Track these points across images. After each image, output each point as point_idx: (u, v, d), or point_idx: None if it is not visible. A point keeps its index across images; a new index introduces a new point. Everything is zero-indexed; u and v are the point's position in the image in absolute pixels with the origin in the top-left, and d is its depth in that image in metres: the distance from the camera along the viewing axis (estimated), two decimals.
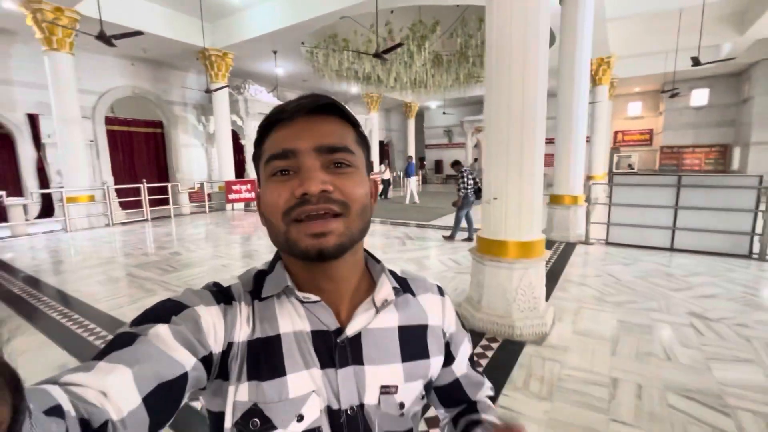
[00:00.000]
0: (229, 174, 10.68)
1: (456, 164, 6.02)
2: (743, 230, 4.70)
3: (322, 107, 0.47)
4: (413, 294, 0.56)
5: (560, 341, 2.66)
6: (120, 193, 9.61)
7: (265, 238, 6.66)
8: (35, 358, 2.56)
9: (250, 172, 12.00)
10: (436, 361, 0.55)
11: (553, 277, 4.10)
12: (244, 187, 10.59)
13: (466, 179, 5.68)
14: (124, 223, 8.58)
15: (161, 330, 0.39)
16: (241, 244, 6.42)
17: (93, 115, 9.62)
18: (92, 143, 9.56)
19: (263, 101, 11.57)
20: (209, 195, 10.80)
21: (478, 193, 5.57)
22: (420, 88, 12.42)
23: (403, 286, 0.56)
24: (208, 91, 9.20)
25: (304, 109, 0.46)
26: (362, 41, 9.23)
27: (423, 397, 0.54)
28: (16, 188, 8.62)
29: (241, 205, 10.85)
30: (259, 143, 0.49)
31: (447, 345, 0.58)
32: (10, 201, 7.36)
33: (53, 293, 3.90)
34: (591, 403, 1.97)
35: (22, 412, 0.19)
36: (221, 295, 0.48)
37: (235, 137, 11.87)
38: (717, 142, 15.04)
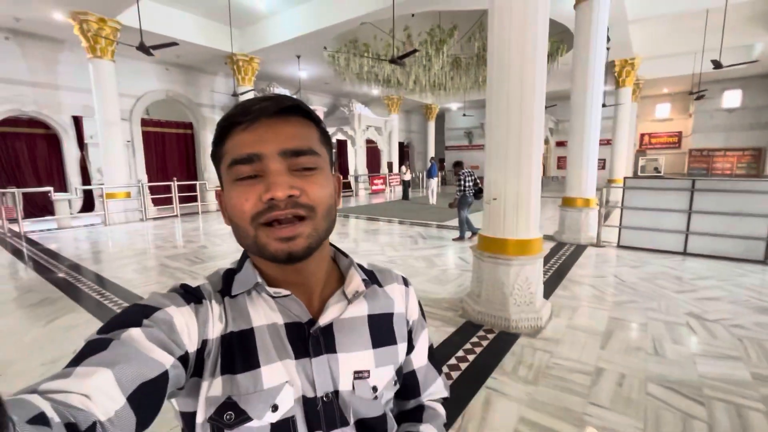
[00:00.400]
0: None
1: (456, 165, 6.21)
2: (759, 235, 4.65)
3: (285, 109, 0.47)
4: (380, 285, 0.60)
5: (554, 335, 2.81)
6: (153, 190, 10.25)
7: None
8: (84, 331, 2.95)
9: None
10: (402, 347, 0.58)
11: (557, 276, 4.21)
12: None
13: (464, 181, 5.87)
14: (156, 219, 9.17)
15: (134, 333, 0.39)
16: None
17: (130, 117, 10.32)
18: (129, 143, 10.24)
19: None
20: None
21: (478, 194, 5.75)
22: (439, 91, 12.60)
23: (371, 277, 0.59)
24: (235, 94, 9.70)
25: (267, 111, 0.46)
26: (382, 45, 9.51)
27: (395, 383, 0.57)
28: (61, 184, 9.36)
29: None
30: (218, 142, 0.48)
31: (410, 332, 0.61)
32: (57, 196, 8.05)
33: (96, 279, 4.34)
34: (572, 388, 2.14)
35: (5, 425, 0.19)
36: (190, 295, 0.48)
37: None
38: (750, 146, 14.46)
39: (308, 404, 0.48)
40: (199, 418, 0.45)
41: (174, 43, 6.27)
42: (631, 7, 7.92)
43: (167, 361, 0.39)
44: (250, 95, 10.47)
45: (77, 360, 0.35)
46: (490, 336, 2.80)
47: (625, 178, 5.68)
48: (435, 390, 0.65)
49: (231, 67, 10.39)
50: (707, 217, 4.93)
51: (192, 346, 0.44)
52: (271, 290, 0.49)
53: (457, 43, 9.53)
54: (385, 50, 9.42)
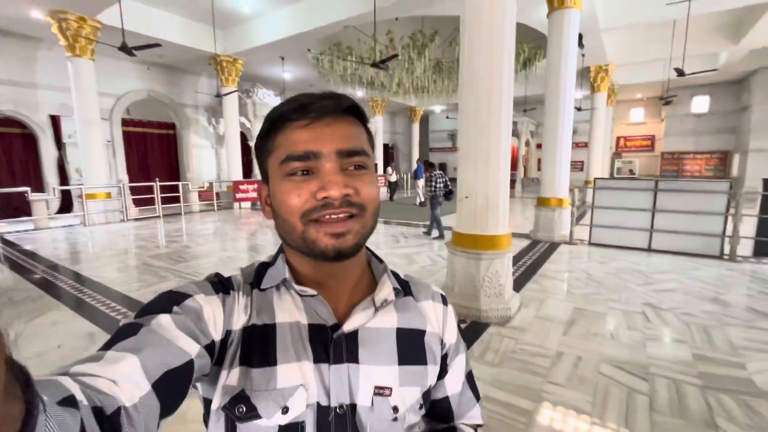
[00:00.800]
0: (237, 174, 11.21)
1: (430, 166, 6.42)
2: (715, 232, 4.99)
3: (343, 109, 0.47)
4: (414, 298, 0.57)
5: (521, 324, 3.01)
6: (134, 190, 10.15)
7: (269, 233, 7.09)
8: (67, 327, 3.00)
9: (257, 172, 12.52)
10: (432, 369, 0.54)
11: (530, 272, 4.44)
12: (251, 187, 11.08)
13: (435, 182, 6.09)
14: (137, 219, 9.09)
15: (163, 320, 0.40)
16: (246, 239, 6.85)
17: (110, 116, 10.19)
18: (109, 143, 10.11)
19: (271, 105, 12.08)
20: (218, 194, 11.30)
21: (448, 195, 5.99)
22: (423, 94, 12.83)
23: (405, 288, 0.56)
24: (218, 95, 9.70)
25: (328, 111, 0.46)
26: (365, 48, 9.67)
27: (421, 407, 0.53)
28: (37, 185, 9.17)
29: (248, 203, 11.34)
30: (268, 134, 0.48)
31: (444, 357, 0.57)
32: (34, 196, 7.91)
33: (78, 278, 4.35)
34: (533, 369, 2.33)
35: (35, 406, 0.20)
36: (221, 285, 0.49)
37: (244, 139, 12.41)
38: (717, 149, 15.18)
39: (321, 412, 0.46)
40: (214, 405, 0.45)
41: (157, 44, 6.28)
42: (602, 16, 8.29)
43: (193, 349, 0.40)
44: (234, 95, 10.49)
45: (109, 344, 0.37)
46: (463, 326, 2.98)
47: (595, 179, 5.98)
48: (470, 417, 0.61)
49: (214, 67, 10.37)
50: (669, 215, 5.26)
51: (217, 336, 0.45)
52: (298, 288, 0.49)
53: (439, 48, 9.76)
54: (369, 53, 9.58)
